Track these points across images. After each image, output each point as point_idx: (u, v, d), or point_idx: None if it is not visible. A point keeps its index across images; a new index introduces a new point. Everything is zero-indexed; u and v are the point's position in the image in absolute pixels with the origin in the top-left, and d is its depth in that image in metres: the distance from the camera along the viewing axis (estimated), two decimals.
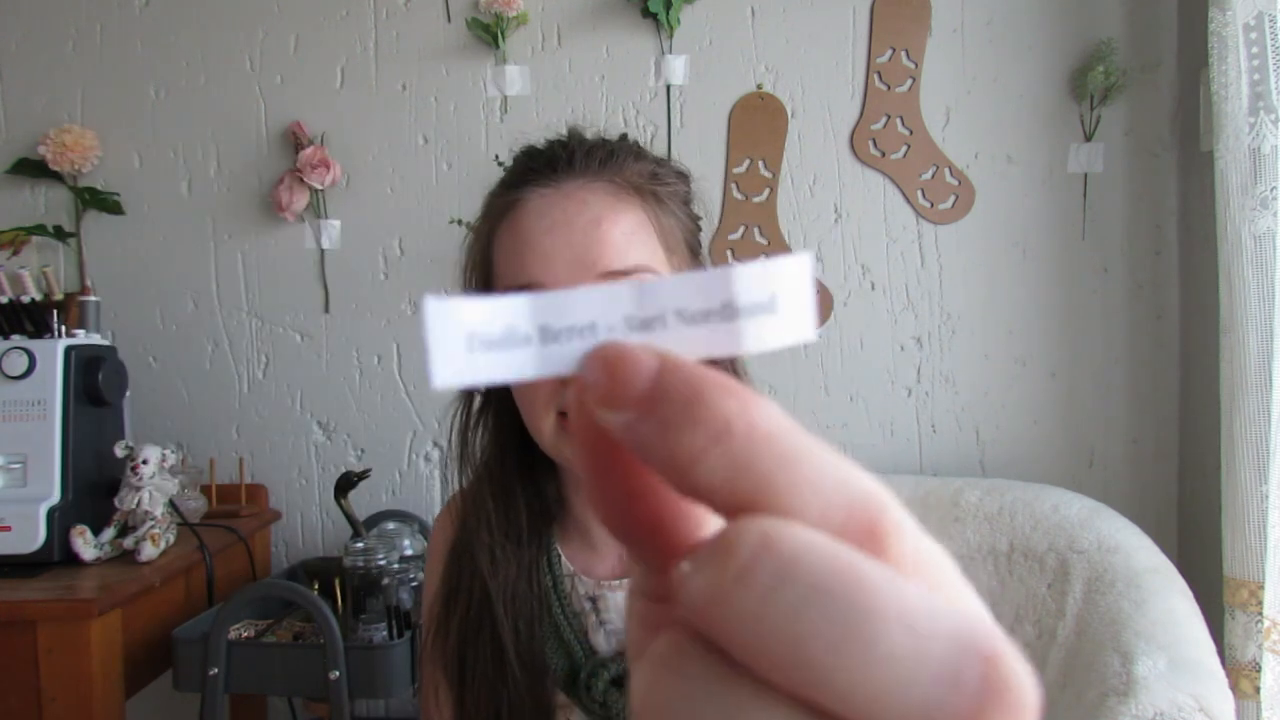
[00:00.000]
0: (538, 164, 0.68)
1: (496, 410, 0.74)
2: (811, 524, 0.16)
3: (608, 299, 0.20)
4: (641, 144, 0.74)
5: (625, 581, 0.70)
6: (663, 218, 0.68)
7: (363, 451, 1.76)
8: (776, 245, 1.68)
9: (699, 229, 0.76)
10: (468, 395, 0.75)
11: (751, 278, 0.20)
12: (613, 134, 0.74)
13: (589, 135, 0.72)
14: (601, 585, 0.72)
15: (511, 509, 0.72)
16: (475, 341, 0.20)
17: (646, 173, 0.69)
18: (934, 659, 0.14)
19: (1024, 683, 0.14)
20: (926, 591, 0.15)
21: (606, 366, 0.18)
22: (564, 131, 0.73)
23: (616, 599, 0.71)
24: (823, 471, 0.16)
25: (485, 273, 0.70)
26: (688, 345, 0.20)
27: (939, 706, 0.14)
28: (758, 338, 0.20)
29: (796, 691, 0.15)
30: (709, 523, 0.19)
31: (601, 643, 0.70)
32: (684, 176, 0.75)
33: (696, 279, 0.20)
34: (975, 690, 0.14)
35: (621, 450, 0.18)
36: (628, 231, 0.64)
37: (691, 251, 0.72)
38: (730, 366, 0.72)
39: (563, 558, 0.73)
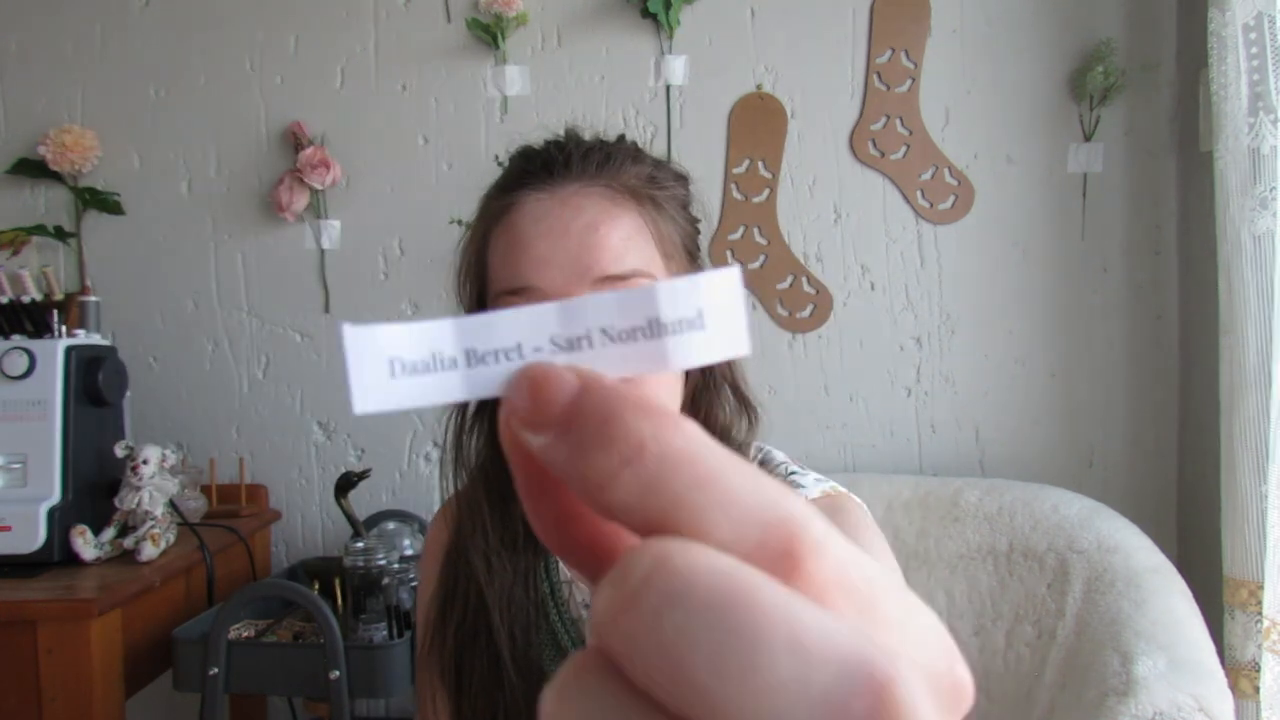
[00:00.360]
0: (533, 166, 0.68)
1: (491, 414, 0.74)
2: (723, 546, 0.15)
3: (532, 320, 0.20)
4: (640, 145, 0.74)
5: None
6: (660, 222, 0.67)
7: (363, 451, 1.76)
8: (776, 245, 1.68)
9: (697, 232, 0.75)
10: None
11: (677, 294, 0.19)
12: (611, 135, 0.73)
13: (586, 136, 0.71)
14: None
15: (507, 514, 0.71)
16: (398, 366, 0.20)
17: (644, 176, 0.68)
18: (819, 687, 0.14)
19: (916, 707, 0.14)
20: (826, 616, 0.15)
21: (529, 388, 0.18)
22: (561, 133, 0.72)
23: None
24: (738, 492, 0.16)
25: (479, 276, 0.69)
26: (614, 364, 0.19)
27: None
28: (685, 354, 0.19)
29: (685, 715, 0.15)
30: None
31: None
32: (682, 179, 0.74)
33: (620, 296, 0.20)
34: (861, 716, 0.14)
35: (551, 472, 0.18)
36: (624, 237, 0.64)
37: (689, 255, 0.71)
38: (729, 372, 0.72)
39: (560, 564, 0.73)
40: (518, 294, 0.63)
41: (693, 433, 0.17)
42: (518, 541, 0.71)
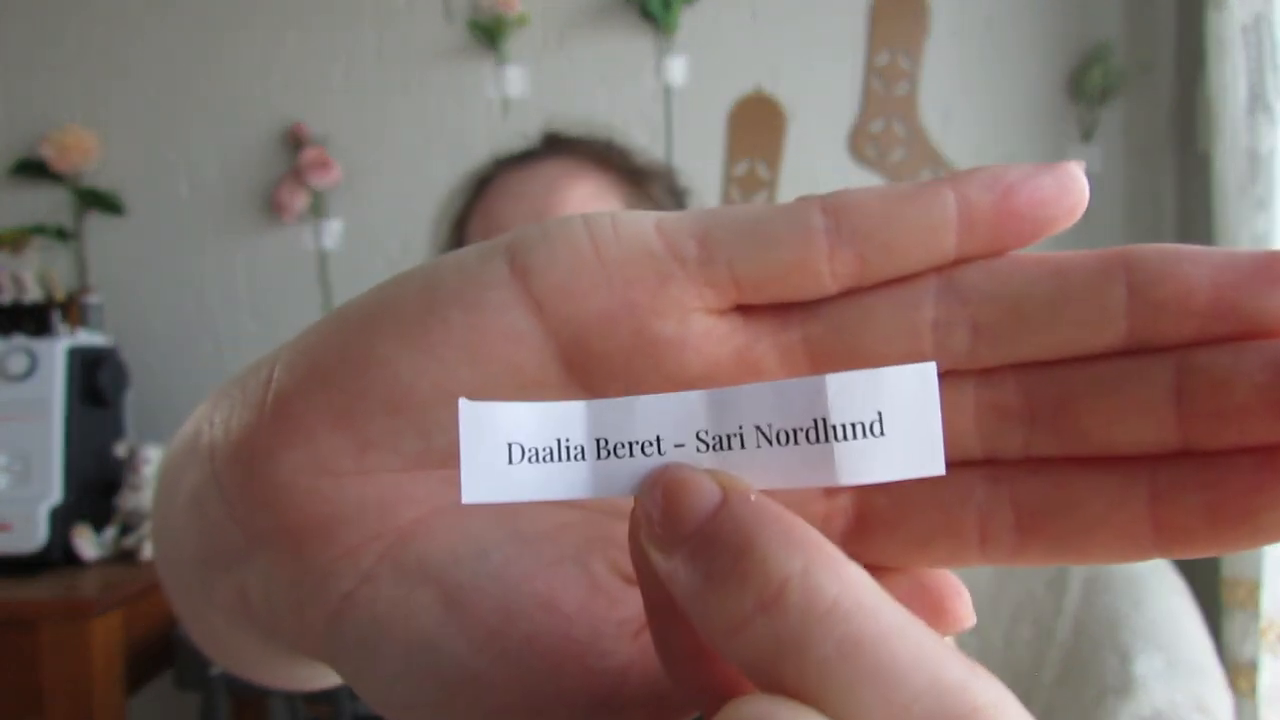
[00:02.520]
0: (513, 157, 0.72)
1: None
2: None
3: (678, 409, 0.17)
4: (630, 145, 0.76)
5: None
6: (633, 191, 0.68)
7: None
8: None
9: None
10: None
11: (851, 389, 0.16)
12: (609, 137, 0.76)
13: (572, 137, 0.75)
14: None
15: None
16: (516, 452, 0.17)
17: (619, 151, 0.71)
18: None
19: None
20: None
21: (663, 495, 0.15)
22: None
23: None
24: (903, 670, 0.12)
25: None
26: (770, 472, 0.16)
27: None
28: (857, 467, 0.16)
29: None
30: None
31: None
32: (668, 170, 0.76)
33: (781, 388, 0.16)
34: None
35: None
36: (586, 196, 0.64)
37: None
38: None
39: None
40: None
41: (855, 578, 0.13)
42: None
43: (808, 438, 0.16)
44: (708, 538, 0.14)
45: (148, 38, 1.76)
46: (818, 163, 1.68)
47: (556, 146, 0.70)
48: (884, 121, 1.67)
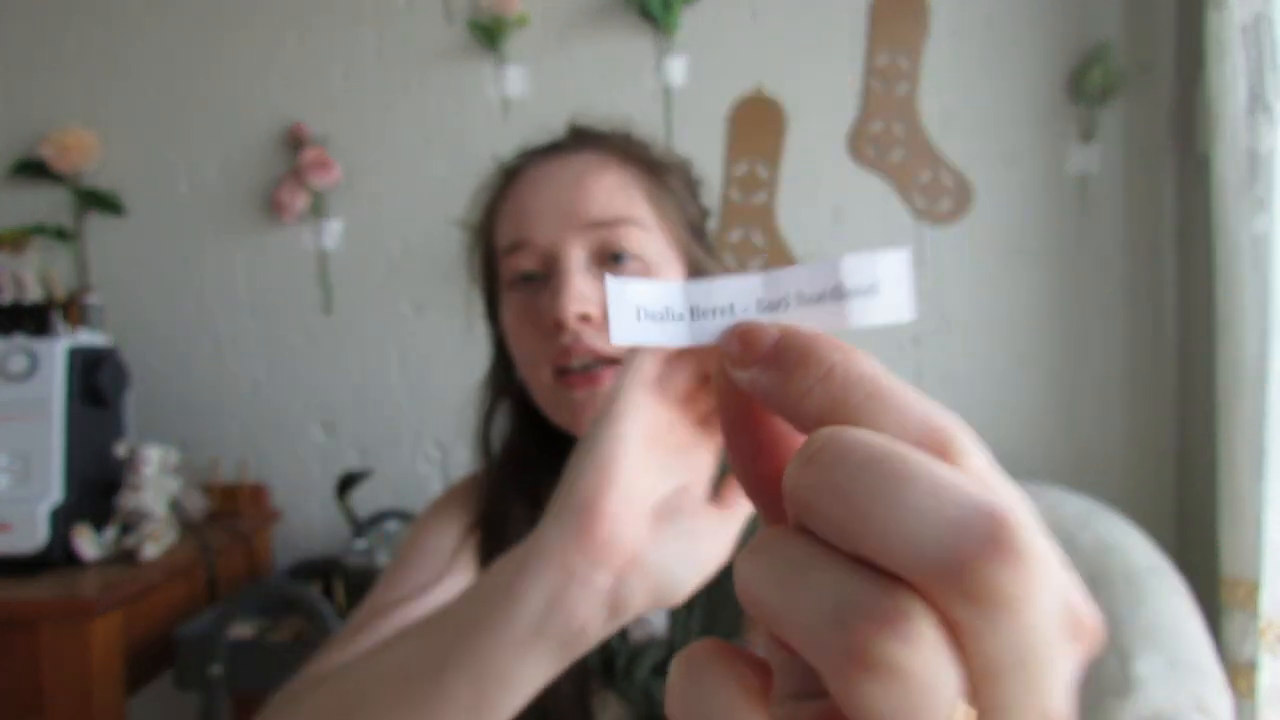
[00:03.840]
0: (538, 149, 0.72)
1: (516, 403, 0.75)
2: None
3: (742, 285, 0.25)
4: (648, 137, 0.76)
5: None
6: (653, 184, 0.69)
7: (363, 452, 1.76)
8: (776, 247, 1.68)
9: (705, 214, 0.76)
10: (490, 378, 0.75)
11: (857, 266, 0.24)
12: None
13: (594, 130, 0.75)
14: None
15: (539, 494, 0.71)
16: (641, 314, 0.25)
17: (640, 144, 0.72)
18: (950, 514, 0.17)
19: (1031, 542, 0.17)
20: (963, 477, 0.18)
21: (741, 338, 0.23)
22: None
23: None
24: (905, 403, 0.21)
25: (488, 242, 0.72)
26: (805, 321, 0.24)
27: (953, 550, 0.17)
28: (862, 314, 0.24)
29: (852, 547, 0.18)
30: None
31: (634, 631, 0.69)
32: (685, 164, 0.77)
33: (812, 268, 0.25)
34: (981, 538, 0.17)
35: (751, 410, 0.24)
36: (611, 187, 0.66)
37: (693, 231, 0.72)
38: None
39: None
40: (515, 249, 0.66)
41: (872, 362, 0.21)
42: None
43: (830, 298, 0.24)
44: (779, 350, 0.22)
45: (148, 38, 1.76)
46: (817, 162, 1.69)
47: (581, 139, 0.71)
48: (884, 122, 1.67)
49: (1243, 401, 1.26)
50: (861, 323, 0.24)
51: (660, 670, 0.66)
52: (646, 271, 0.64)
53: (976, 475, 0.20)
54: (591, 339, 0.61)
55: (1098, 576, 1.28)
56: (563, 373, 0.63)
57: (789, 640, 0.19)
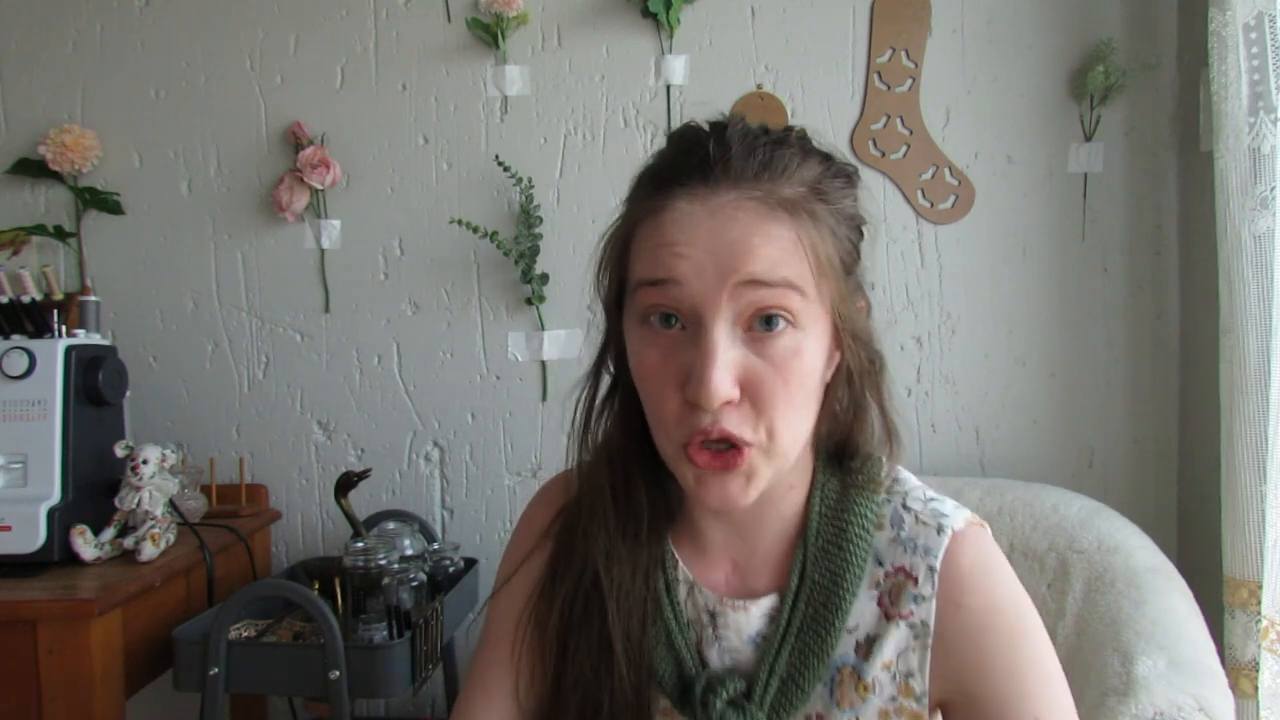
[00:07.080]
0: (690, 162, 0.62)
1: (624, 398, 0.71)
2: None
3: None
4: (810, 137, 0.68)
5: (748, 603, 0.67)
6: (817, 237, 0.63)
7: (363, 451, 1.76)
8: None
9: (861, 235, 0.72)
10: (595, 373, 0.72)
11: None
12: (777, 125, 0.67)
13: (753, 127, 0.65)
14: (724, 602, 0.68)
15: (633, 501, 0.70)
16: None
17: (808, 182, 0.64)
18: None
19: None
20: None
21: None
22: (724, 113, 0.67)
23: (736, 619, 0.67)
24: None
25: (621, 267, 0.66)
26: None
27: None
28: None
29: None
30: None
31: (715, 658, 0.67)
32: (850, 179, 0.70)
33: None
34: None
35: None
36: (777, 251, 0.60)
37: (845, 270, 0.67)
38: (878, 395, 0.68)
39: (680, 563, 0.71)
40: (658, 285, 0.60)
41: None
42: (640, 533, 0.69)
43: None
44: None
45: (148, 38, 1.76)
46: None
47: (745, 163, 0.62)
48: (885, 120, 1.66)
49: (1245, 401, 1.26)
50: None
51: (735, 703, 0.64)
52: (795, 339, 0.60)
53: None
54: (728, 423, 0.58)
55: (1100, 577, 1.27)
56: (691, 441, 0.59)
57: None
